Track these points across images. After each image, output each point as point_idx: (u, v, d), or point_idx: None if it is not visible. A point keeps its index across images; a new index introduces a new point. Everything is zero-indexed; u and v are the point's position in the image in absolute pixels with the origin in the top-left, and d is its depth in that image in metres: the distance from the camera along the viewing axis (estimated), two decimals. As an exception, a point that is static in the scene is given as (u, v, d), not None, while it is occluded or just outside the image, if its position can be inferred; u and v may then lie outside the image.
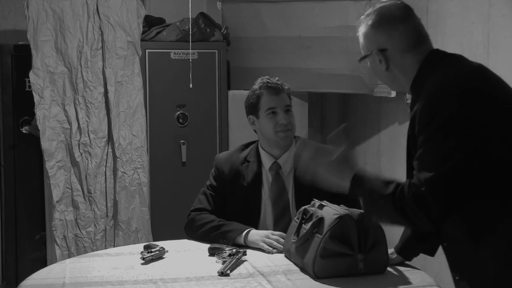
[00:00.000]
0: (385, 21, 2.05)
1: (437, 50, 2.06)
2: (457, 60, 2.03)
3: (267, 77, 2.94)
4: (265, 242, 2.66)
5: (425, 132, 1.89)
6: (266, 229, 2.81)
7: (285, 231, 2.65)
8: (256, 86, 2.92)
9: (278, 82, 2.90)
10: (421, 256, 2.39)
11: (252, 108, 2.92)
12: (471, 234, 1.88)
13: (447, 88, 1.90)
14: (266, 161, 2.91)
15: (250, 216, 2.84)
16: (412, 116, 1.97)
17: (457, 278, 1.94)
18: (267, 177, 2.90)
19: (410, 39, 2.03)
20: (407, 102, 3.55)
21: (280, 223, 2.83)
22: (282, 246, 2.61)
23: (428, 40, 2.08)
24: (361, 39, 2.12)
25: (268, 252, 2.62)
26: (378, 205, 1.98)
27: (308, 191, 2.77)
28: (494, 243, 1.84)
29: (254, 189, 2.87)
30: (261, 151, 2.93)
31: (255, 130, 2.97)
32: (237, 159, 2.94)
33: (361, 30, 2.11)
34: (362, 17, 2.12)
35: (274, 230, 2.80)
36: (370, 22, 2.07)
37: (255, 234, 2.70)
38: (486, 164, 1.84)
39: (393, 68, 2.05)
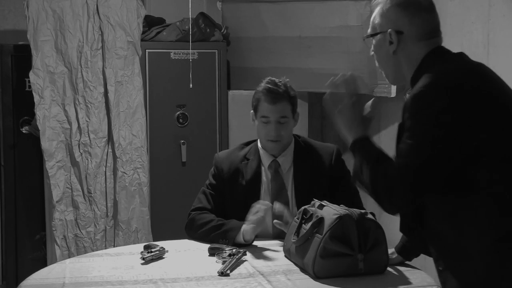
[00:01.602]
0: (411, 4, 2.03)
1: (442, 47, 2.07)
2: (458, 58, 2.04)
3: (273, 79, 2.89)
4: (251, 221, 2.67)
5: (412, 121, 1.90)
6: (266, 226, 2.81)
7: (284, 226, 2.66)
8: (260, 88, 2.90)
9: (280, 90, 2.85)
10: (421, 256, 2.39)
11: (253, 107, 2.93)
12: (454, 225, 1.90)
13: (442, 82, 1.91)
14: (265, 159, 2.91)
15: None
16: (403, 105, 1.97)
17: (440, 268, 1.96)
18: (266, 175, 2.90)
19: (427, 29, 2.03)
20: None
21: (279, 220, 2.83)
22: (260, 210, 2.64)
23: (440, 37, 2.08)
24: (377, 16, 2.07)
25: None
26: (364, 173, 1.97)
27: (307, 189, 2.77)
28: (477, 234, 1.86)
29: (252, 187, 2.87)
30: (261, 149, 2.94)
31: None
32: (236, 157, 2.95)
33: (380, 7, 2.06)
34: None
35: (274, 228, 2.82)
36: (395, 1, 2.03)
37: (246, 231, 2.70)
38: (467, 161, 1.85)
39: (400, 53, 2.03)
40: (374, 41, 2.08)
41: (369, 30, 2.10)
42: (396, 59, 2.05)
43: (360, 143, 2.02)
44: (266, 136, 2.87)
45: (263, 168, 2.92)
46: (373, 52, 2.11)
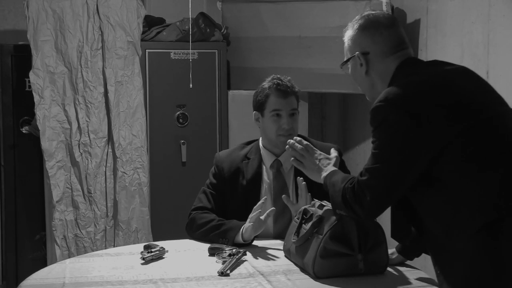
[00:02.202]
0: (371, 25, 2.15)
1: (411, 59, 2.16)
2: (425, 68, 2.12)
3: (278, 76, 2.93)
4: (250, 219, 2.70)
5: (373, 133, 2.05)
6: (266, 227, 2.81)
7: (285, 228, 2.66)
8: (266, 85, 2.92)
9: (288, 84, 2.90)
10: (421, 256, 2.40)
11: (258, 105, 2.93)
12: (440, 224, 1.97)
13: (393, 97, 2.00)
14: (267, 159, 2.92)
15: (248, 214, 2.83)
16: None
17: (438, 272, 2.01)
18: (268, 175, 2.91)
19: (391, 43, 2.14)
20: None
21: (281, 221, 2.84)
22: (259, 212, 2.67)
23: (409, 49, 2.18)
24: (346, 43, 2.21)
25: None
26: (335, 197, 2.16)
27: (309, 188, 2.77)
28: (459, 228, 1.93)
29: (253, 187, 2.88)
30: (262, 149, 2.94)
31: (258, 126, 2.98)
32: (237, 157, 2.95)
33: (348, 34, 2.21)
34: (350, 23, 2.22)
35: (274, 227, 2.84)
36: (356, 26, 2.17)
37: (246, 228, 2.71)
38: (432, 162, 1.96)
39: (372, 72, 2.15)
40: (349, 67, 2.22)
41: (344, 58, 2.23)
42: (370, 79, 2.17)
43: (325, 181, 2.26)
44: (278, 130, 2.88)
45: (264, 167, 2.92)
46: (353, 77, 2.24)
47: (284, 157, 2.90)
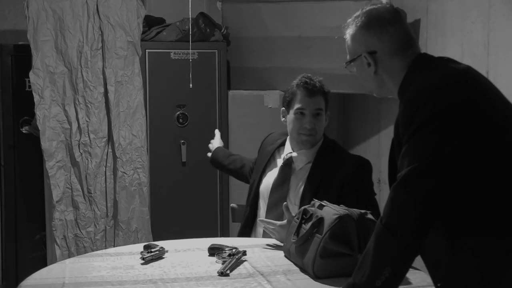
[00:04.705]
0: (375, 22, 2.04)
1: (425, 54, 2.05)
2: (443, 63, 2.00)
3: (308, 75, 2.98)
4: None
5: (407, 133, 1.87)
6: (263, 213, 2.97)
7: (277, 219, 2.75)
8: (294, 83, 2.99)
9: (317, 84, 2.93)
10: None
11: (286, 102, 3.01)
12: (448, 237, 1.85)
13: (429, 88, 1.88)
14: (286, 151, 3.02)
15: (250, 193, 3.06)
16: (396, 121, 1.96)
17: (439, 285, 1.92)
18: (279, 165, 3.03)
19: (399, 41, 2.02)
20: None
21: (273, 212, 2.92)
22: None
23: (417, 44, 2.07)
24: (348, 42, 2.10)
25: None
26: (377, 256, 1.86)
27: (313, 193, 2.81)
28: (473, 244, 1.82)
29: (260, 170, 3.06)
30: (287, 141, 3.05)
31: (284, 123, 3.07)
32: (274, 141, 3.12)
33: (349, 32, 2.09)
34: (350, 19, 2.10)
35: (266, 217, 2.90)
36: (359, 23, 2.06)
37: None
38: (465, 164, 1.81)
39: (381, 71, 2.04)
40: (354, 66, 2.10)
41: (347, 57, 2.12)
42: (379, 77, 2.06)
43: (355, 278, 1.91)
44: (300, 128, 2.94)
45: (279, 158, 3.05)
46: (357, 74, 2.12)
47: (298, 155, 2.97)
